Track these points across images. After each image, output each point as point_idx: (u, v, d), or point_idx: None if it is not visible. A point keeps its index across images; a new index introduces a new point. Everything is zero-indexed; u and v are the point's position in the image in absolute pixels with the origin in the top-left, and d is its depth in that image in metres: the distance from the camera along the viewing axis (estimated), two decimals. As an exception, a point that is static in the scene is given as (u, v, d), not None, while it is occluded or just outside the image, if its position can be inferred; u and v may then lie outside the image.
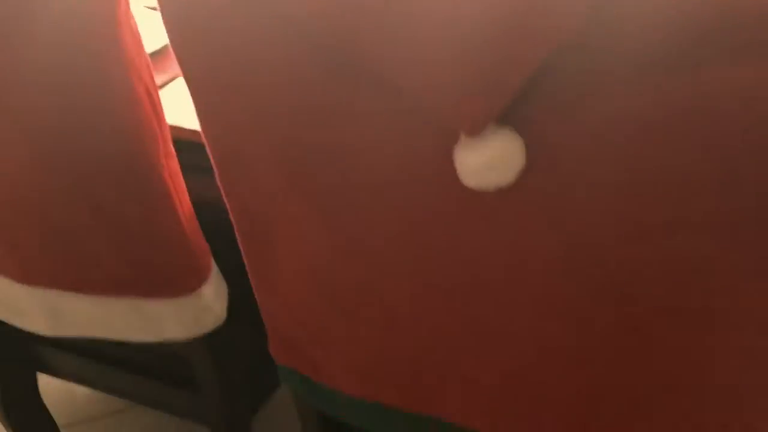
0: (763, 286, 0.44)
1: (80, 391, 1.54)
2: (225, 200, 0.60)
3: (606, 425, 0.55)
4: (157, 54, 0.94)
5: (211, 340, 0.82)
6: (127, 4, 0.59)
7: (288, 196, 0.55)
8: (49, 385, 1.49)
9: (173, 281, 0.73)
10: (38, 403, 1.06)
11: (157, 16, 0.95)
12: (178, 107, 0.80)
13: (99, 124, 0.62)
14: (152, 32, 0.93)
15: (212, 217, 0.95)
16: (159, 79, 0.88)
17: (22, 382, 1.03)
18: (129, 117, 0.62)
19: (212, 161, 0.59)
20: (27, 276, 0.75)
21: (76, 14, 0.57)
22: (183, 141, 0.81)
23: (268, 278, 0.63)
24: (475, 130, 0.41)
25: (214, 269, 0.77)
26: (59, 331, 0.80)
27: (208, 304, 0.76)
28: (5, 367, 1.00)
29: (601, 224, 0.45)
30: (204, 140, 0.57)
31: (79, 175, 0.67)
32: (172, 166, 0.67)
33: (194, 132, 0.79)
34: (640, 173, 0.43)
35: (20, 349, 1.00)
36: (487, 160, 0.42)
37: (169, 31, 0.51)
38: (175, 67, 0.92)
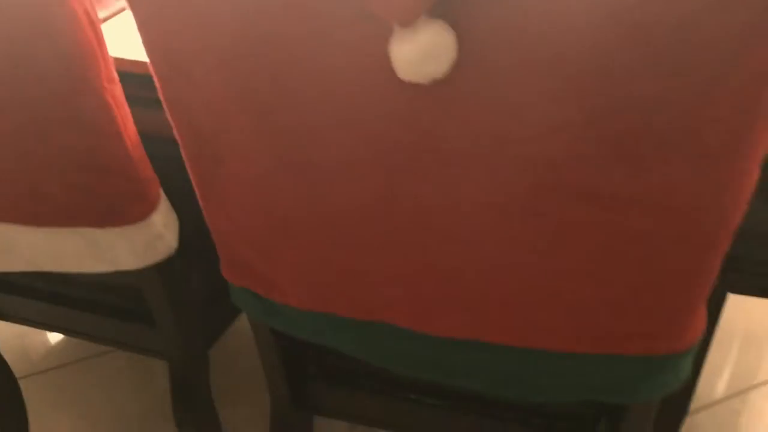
0: (683, 164, 0.47)
1: (32, 344, 1.53)
2: (170, 119, 0.61)
3: (547, 316, 0.58)
4: (98, -10, 0.92)
5: (164, 273, 0.83)
6: None
7: (234, 110, 0.56)
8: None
9: (122, 209, 0.74)
10: (-7, 350, 1.06)
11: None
12: (121, 42, 0.80)
13: (39, 48, 0.62)
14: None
15: (161, 152, 0.95)
16: (101, 14, 0.87)
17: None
18: (68, 39, 0.62)
19: (156, 80, 0.59)
20: None
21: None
22: (127, 74, 0.81)
23: (216, 198, 0.64)
24: (407, 20, 0.43)
25: (163, 198, 0.78)
26: (10, 266, 0.80)
27: (159, 232, 0.77)
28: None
29: (530, 114, 0.47)
30: (148, 58, 0.58)
31: (22, 103, 0.67)
32: (115, 90, 0.68)
33: (138, 63, 0.78)
34: (568, 62, 0.45)
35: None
36: (420, 52, 0.44)
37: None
38: (116, 4, 0.92)
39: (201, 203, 0.66)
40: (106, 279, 0.87)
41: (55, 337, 1.55)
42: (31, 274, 0.94)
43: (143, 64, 0.80)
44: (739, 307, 1.50)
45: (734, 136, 0.46)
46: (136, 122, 0.81)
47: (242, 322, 1.53)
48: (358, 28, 0.47)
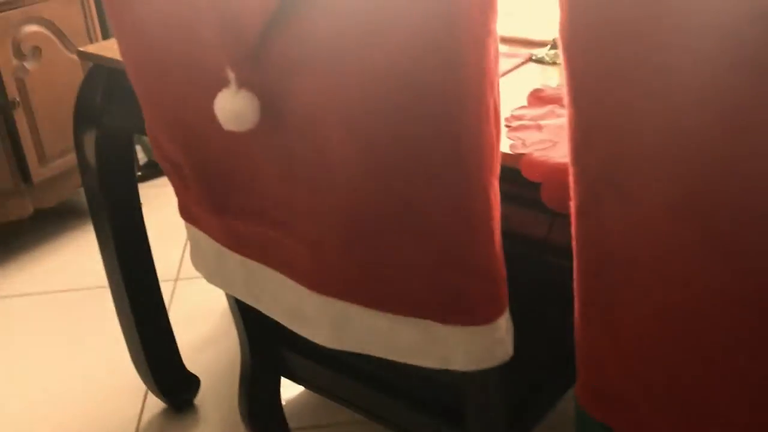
0: None
1: (310, 397, 1.54)
2: (575, 226, 0.54)
3: None
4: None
5: (490, 377, 0.76)
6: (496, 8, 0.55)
7: (673, 230, 0.48)
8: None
9: (473, 308, 0.69)
10: (278, 408, 1.07)
11: None
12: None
13: (441, 130, 0.59)
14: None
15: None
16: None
17: (267, 386, 1.04)
18: (474, 129, 0.58)
19: (576, 192, 0.53)
20: (322, 284, 0.74)
21: (443, 14, 0.54)
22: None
23: (605, 321, 0.57)
24: None
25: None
26: (339, 344, 0.78)
27: (501, 337, 0.71)
28: (255, 370, 1.02)
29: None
30: (573, 170, 0.52)
31: (404, 181, 0.64)
32: (497, 187, 0.63)
33: (511, 156, 0.73)
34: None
35: (270, 354, 1.01)
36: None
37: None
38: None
39: (580, 323, 0.59)
40: (422, 369, 0.83)
41: (311, 397, 1.55)
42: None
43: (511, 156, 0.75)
44: None
45: None
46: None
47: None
48: None
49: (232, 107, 0.63)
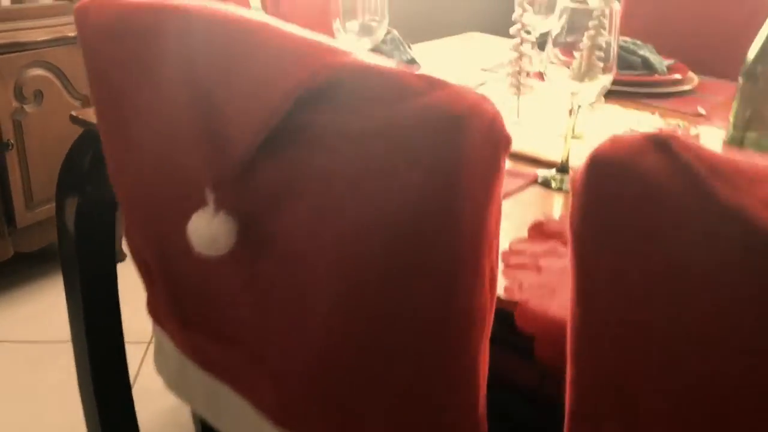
0: None
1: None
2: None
3: None
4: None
5: None
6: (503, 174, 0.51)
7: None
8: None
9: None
10: None
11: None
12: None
13: (431, 288, 0.54)
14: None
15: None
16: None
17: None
18: (467, 294, 0.53)
19: (573, 397, 0.47)
20: (286, 419, 0.68)
21: (444, 172, 0.49)
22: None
23: None
24: None
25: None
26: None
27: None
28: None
29: None
30: (571, 370, 0.47)
31: (386, 334, 0.58)
32: (487, 350, 0.58)
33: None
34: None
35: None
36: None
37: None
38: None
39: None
40: None
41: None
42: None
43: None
44: None
45: None
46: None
47: None
48: None
49: (207, 231, 0.58)
